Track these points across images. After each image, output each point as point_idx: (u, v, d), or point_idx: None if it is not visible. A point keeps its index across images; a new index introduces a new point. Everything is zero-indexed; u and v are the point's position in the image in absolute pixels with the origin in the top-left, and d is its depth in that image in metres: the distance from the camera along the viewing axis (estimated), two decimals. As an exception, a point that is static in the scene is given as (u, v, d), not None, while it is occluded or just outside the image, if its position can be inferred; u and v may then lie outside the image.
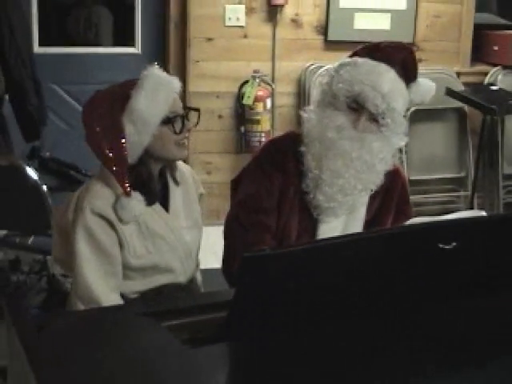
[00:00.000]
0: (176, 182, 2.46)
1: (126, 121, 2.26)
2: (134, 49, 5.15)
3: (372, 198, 2.58)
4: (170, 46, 5.06)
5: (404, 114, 2.51)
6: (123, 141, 2.25)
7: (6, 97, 4.25)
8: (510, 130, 5.50)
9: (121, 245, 2.30)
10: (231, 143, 5.12)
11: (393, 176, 2.61)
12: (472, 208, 5.18)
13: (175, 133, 2.32)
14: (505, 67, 5.47)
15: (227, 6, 4.98)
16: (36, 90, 4.25)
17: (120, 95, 2.29)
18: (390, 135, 2.48)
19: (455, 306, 1.89)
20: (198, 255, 2.54)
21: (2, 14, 4.03)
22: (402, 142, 2.55)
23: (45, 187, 3.47)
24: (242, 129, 5.05)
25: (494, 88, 5.25)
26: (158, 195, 2.38)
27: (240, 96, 5.04)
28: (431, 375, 1.65)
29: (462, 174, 5.56)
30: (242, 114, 5.05)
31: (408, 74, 2.51)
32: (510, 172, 5.55)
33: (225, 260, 2.57)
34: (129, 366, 1.67)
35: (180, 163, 2.52)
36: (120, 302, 2.30)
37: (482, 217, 2.13)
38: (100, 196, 2.28)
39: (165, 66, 4.98)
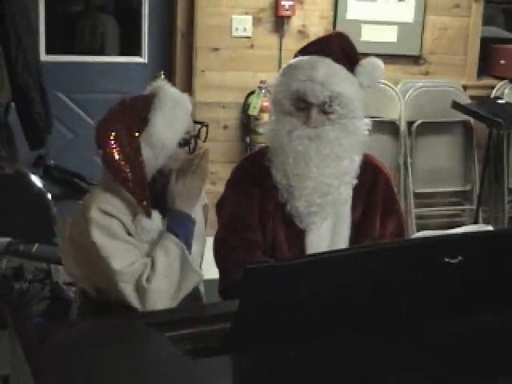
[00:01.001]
0: None
1: (143, 143, 2.25)
2: (140, 58, 5.15)
3: (355, 197, 2.55)
4: (176, 56, 5.06)
5: (356, 98, 2.48)
6: (142, 161, 2.24)
7: (12, 104, 4.25)
8: (516, 144, 5.49)
9: None
10: (236, 154, 5.11)
11: (374, 173, 2.60)
12: (476, 222, 5.17)
13: (190, 153, 2.34)
14: (511, 81, 5.46)
15: (234, 17, 4.98)
16: (42, 98, 4.25)
17: (137, 117, 2.27)
18: (345, 122, 2.47)
19: (460, 321, 1.88)
20: (200, 267, 2.53)
21: (9, 22, 4.04)
22: (363, 126, 2.52)
23: (49, 195, 3.47)
24: (247, 139, 5.05)
25: (500, 102, 5.24)
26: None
27: (245, 106, 5.04)
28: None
29: (468, 188, 5.54)
30: (248, 125, 5.05)
31: (348, 57, 2.51)
32: (515, 186, 5.53)
33: (220, 284, 2.57)
34: (130, 377, 1.67)
35: None
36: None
37: (489, 231, 2.13)
38: (108, 199, 2.28)
39: (171, 76, 4.98)
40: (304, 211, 2.49)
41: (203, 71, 5.01)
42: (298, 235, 2.53)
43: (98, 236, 2.25)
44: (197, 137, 2.36)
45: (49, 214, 3.46)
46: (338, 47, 2.52)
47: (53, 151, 4.72)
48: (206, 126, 2.40)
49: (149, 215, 2.26)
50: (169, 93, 2.32)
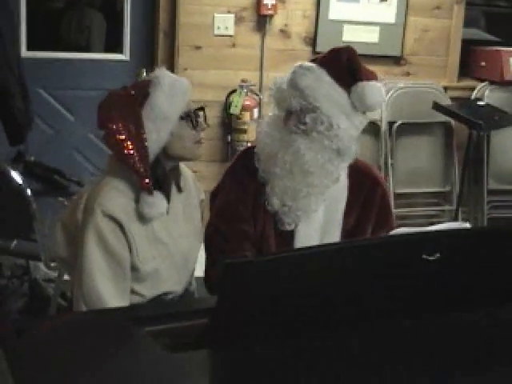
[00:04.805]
0: (179, 188, 2.44)
1: (145, 118, 2.26)
2: (121, 55, 5.14)
3: (350, 204, 2.56)
4: (158, 54, 5.05)
5: (341, 119, 2.44)
6: (145, 136, 2.24)
7: (-9, 100, 4.22)
8: (496, 146, 5.52)
9: (129, 248, 2.28)
10: (218, 152, 5.11)
11: (372, 185, 2.60)
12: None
13: (194, 128, 2.35)
14: (492, 83, 5.49)
15: (216, 15, 4.98)
16: (22, 94, 4.23)
17: (138, 93, 2.29)
18: (318, 137, 2.44)
19: (438, 318, 1.89)
20: (194, 264, 2.52)
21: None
22: (339, 143, 2.45)
23: (29, 191, 3.44)
24: (229, 138, 5.05)
25: (480, 103, 5.27)
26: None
27: (227, 105, 5.03)
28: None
29: (447, 189, 5.57)
30: (229, 124, 5.05)
31: (347, 75, 2.45)
32: (494, 187, 5.56)
33: (206, 271, 2.56)
34: (107, 371, 1.66)
35: (184, 168, 2.51)
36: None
37: (467, 228, 2.13)
38: (111, 197, 2.26)
39: (153, 74, 4.97)
40: (279, 209, 2.50)
41: (185, 69, 5.00)
42: (286, 234, 2.54)
43: (92, 244, 2.23)
44: (198, 111, 2.39)
45: (28, 210, 3.44)
46: (339, 61, 2.47)
47: (33, 147, 4.70)
48: (203, 108, 2.44)
49: (150, 193, 2.25)
50: (167, 74, 2.36)
